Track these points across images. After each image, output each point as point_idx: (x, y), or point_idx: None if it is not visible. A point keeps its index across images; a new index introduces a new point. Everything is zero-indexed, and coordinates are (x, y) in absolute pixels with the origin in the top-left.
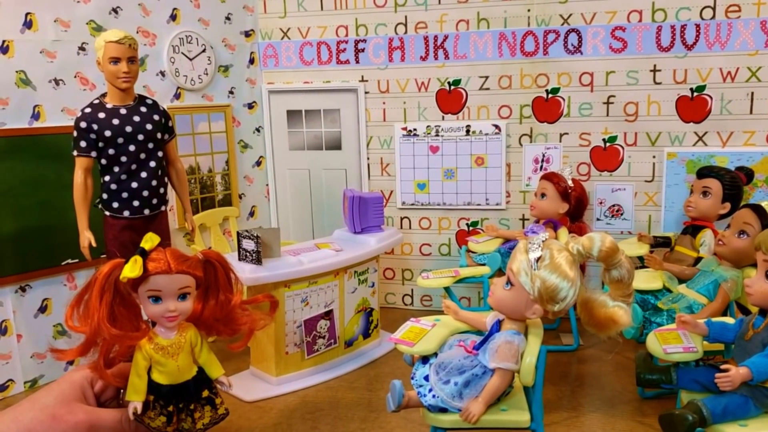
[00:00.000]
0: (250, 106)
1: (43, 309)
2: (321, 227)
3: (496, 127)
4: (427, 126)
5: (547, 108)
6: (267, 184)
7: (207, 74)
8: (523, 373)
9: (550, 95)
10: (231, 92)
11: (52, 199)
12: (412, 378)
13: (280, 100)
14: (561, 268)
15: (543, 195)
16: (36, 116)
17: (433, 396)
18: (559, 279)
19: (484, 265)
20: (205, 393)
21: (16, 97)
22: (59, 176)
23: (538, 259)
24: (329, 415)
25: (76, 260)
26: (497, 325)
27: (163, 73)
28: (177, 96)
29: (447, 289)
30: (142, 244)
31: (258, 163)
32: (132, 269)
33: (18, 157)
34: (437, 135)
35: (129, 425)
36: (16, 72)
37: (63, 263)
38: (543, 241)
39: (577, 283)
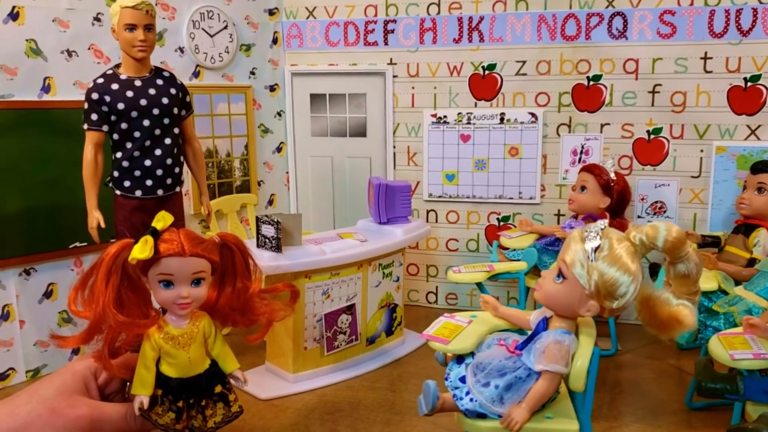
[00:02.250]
0: (272, 88)
1: (48, 294)
2: (343, 218)
3: (533, 115)
4: (459, 113)
5: (588, 96)
6: (287, 172)
7: (228, 52)
8: (573, 377)
9: (591, 83)
10: (252, 73)
11: (62, 178)
12: (446, 379)
13: (304, 82)
14: (621, 260)
15: (583, 188)
16: (46, 89)
17: (471, 399)
18: (618, 272)
19: (519, 261)
20: (218, 388)
21: (25, 68)
22: (69, 153)
23: (595, 249)
24: (349, 416)
25: (85, 244)
26: (544, 323)
27: (182, 50)
28: (196, 74)
29: (479, 285)
30: (153, 224)
31: (278, 149)
32: (142, 250)
33: (26, 131)
34: (469, 123)
35: (135, 421)
36: (27, 41)
37: (71, 246)
38: (601, 229)
39: (638, 277)
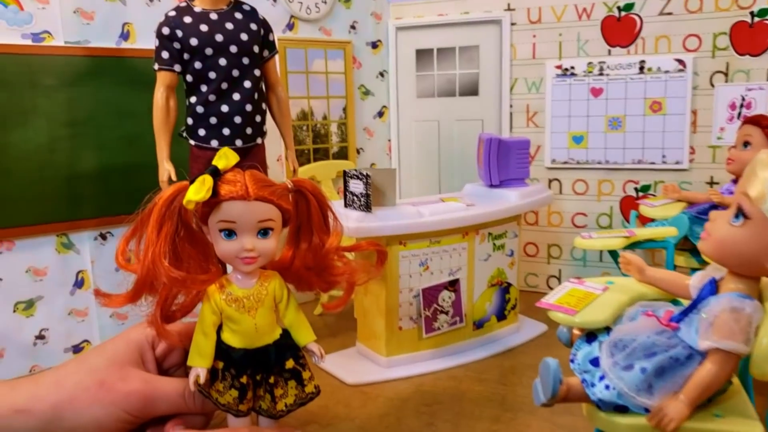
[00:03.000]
0: (374, 45)
1: (125, 261)
2: (450, 189)
3: (680, 62)
4: (589, 63)
5: (751, 36)
6: (389, 140)
7: (326, 3)
8: (758, 359)
9: (756, 19)
10: (353, 27)
11: (140, 134)
12: (572, 361)
13: (409, 37)
14: None
15: (746, 144)
16: (125, 36)
17: (607, 387)
18: None
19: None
20: (290, 363)
21: (102, 12)
22: (150, 108)
23: None
24: (450, 410)
25: None
26: (712, 286)
27: None
28: (290, 26)
29: (613, 255)
30: (214, 162)
31: (380, 114)
32: (198, 191)
33: (102, 81)
34: (601, 74)
35: (193, 400)
36: None
37: None
38: None
39: None
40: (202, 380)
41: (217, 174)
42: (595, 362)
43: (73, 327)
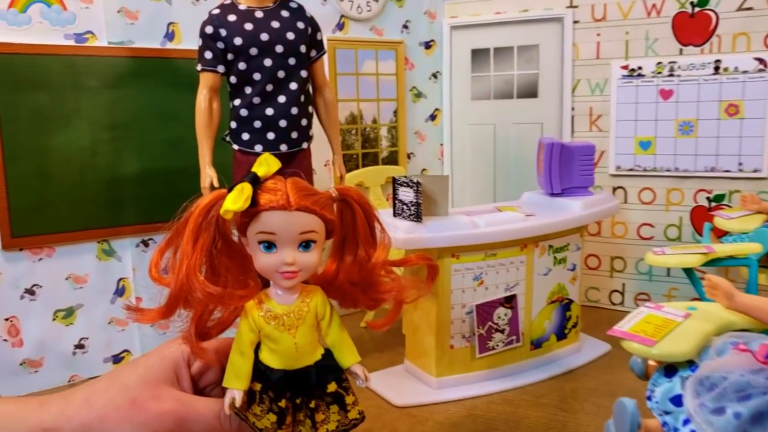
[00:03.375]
0: (428, 45)
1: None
2: (506, 199)
3: (761, 61)
4: (658, 63)
5: None
6: (441, 144)
7: (377, 1)
8: None
9: None
10: (405, 26)
11: (184, 138)
12: (650, 399)
13: (464, 36)
14: None
15: None
16: (170, 36)
17: None
18: None
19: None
20: (332, 387)
21: (147, 12)
22: (194, 110)
23: None
24: None
25: None
26: None
27: None
28: (340, 26)
29: (689, 273)
30: (254, 168)
31: (432, 117)
32: (236, 200)
33: (146, 83)
34: (671, 75)
35: (229, 423)
36: None
37: None
38: None
39: None
40: (238, 403)
41: (256, 181)
42: (676, 401)
43: (113, 336)
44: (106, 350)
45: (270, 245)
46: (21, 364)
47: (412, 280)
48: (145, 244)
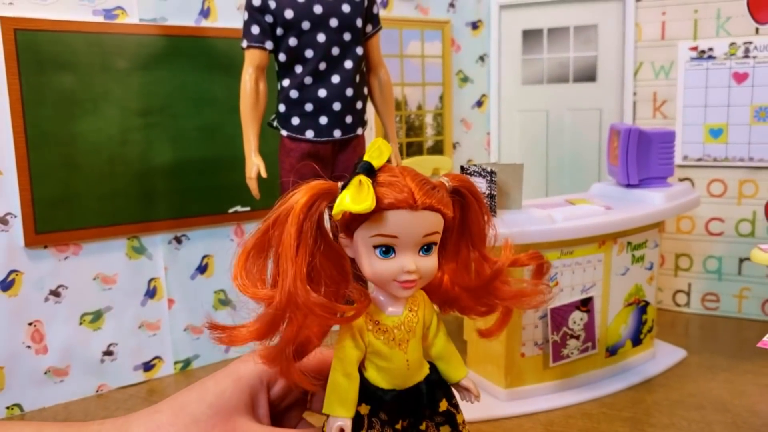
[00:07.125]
0: (475, 25)
1: (202, 269)
2: (559, 191)
3: None
4: (731, 44)
5: None
6: (488, 132)
7: None
8: None
9: None
10: (452, 5)
11: (220, 125)
12: None
13: (515, 16)
14: None
15: None
16: (205, 13)
17: None
18: None
19: None
20: (443, 405)
21: None
22: (231, 95)
23: None
24: None
25: (248, 208)
26: None
27: None
28: (384, 4)
29: None
30: (367, 157)
31: (479, 104)
32: (358, 198)
33: (179, 64)
34: (746, 57)
35: None
36: None
37: (230, 210)
38: None
39: None
40: None
41: (371, 173)
42: None
43: (144, 342)
44: (137, 357)
45: (388, 249)
46: (45, 373)
47: (534, 284)
48: (178, 240)
